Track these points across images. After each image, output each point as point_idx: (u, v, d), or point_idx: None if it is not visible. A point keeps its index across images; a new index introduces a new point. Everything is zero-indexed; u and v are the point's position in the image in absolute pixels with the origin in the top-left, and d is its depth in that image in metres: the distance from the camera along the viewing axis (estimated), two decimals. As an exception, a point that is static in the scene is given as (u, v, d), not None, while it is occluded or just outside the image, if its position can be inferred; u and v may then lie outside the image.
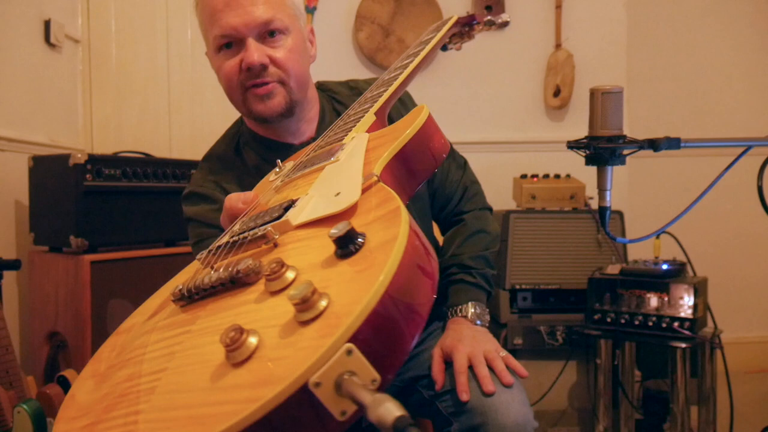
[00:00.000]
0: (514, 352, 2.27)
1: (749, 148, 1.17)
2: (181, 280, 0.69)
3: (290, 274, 0.51)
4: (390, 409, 0.38)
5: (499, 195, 2.61)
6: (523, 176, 2.46)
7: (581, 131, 1.08)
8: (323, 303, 0.45)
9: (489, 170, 2.80)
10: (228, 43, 1.11)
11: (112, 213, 1.92)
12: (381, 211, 0.54)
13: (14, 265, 1.75)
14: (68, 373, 1.68)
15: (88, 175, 1.86)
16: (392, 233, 0.48)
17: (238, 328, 0.46)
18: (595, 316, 2.06)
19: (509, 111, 2.87)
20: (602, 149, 1.04)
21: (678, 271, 2.02)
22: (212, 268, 0.64)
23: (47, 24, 2.29)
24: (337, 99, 1.26)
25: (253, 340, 0.46)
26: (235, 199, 0.81)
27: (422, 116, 0.74)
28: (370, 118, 0.89)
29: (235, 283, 0.56)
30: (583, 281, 2.14)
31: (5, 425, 1.50)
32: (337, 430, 0.42)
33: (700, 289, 1.95)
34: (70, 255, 1.88)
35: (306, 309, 0.45)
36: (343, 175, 0.68)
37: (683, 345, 1.90)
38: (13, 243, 2.04)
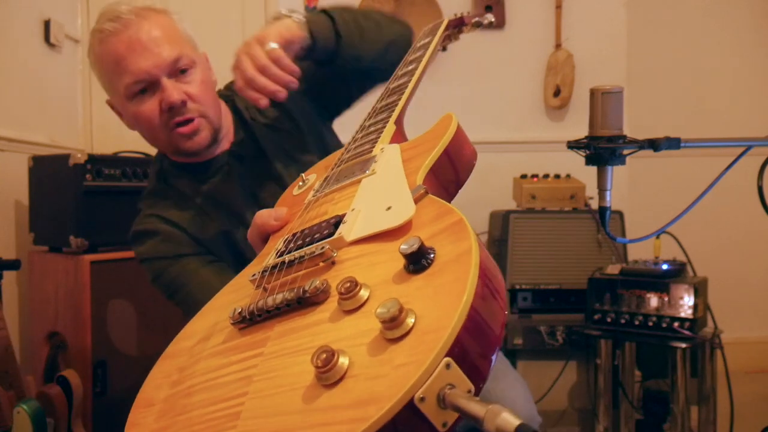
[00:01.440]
0: (514, 352, 2.27)
1: (749, 148, 1.16)
2: (225, 299, 0.69)
3: (364, 293, 0.51)
4: (508, 419, 0.40)
5: (499, 195, 2.61)
6: (523, 176, 2.46)
7: (581, 131, 1.08)
8: (411, 320, 0.45)
9: (489, 170, 2.79)
10: (142, 90, 1.09)
11: (112, 213, 1.92)
12: (442, 224, 0.54)
13: (14, 265, 1.75)
14: (68, 373, 1.68)
15: (88, 175, 1.86)
16: (464, 246, 0.49)
17: (328, 349, 0.46)
18: (595, 316, 2.06)
19: (509, 111, 2.87)
20: (602, 149, 1.04)
21: (678, 271, 2.02)
22: (265, 289, 0.63)
23: (47, 24, 2.29)
24: (230, 97, 1.24)
25: (344, 361, 0.46)
26: (266, 215, 0.81)
27: (453, 125, 0.74)
28: (391, 128, 0.87)
29: (302, 303, 0.56)
30: (583, 281, 2.14)
31: (5, 425, 1.50)
32: None
33: (700, 289, 1.94)
34: (69, 255, 1.87)
35: (395, 327, 0.45)
36: (388, 187, 0.67)
37: (683, 345, 1.90)
38: (13, 243, 2.04)
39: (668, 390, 2.00)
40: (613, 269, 2.09)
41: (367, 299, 0.51)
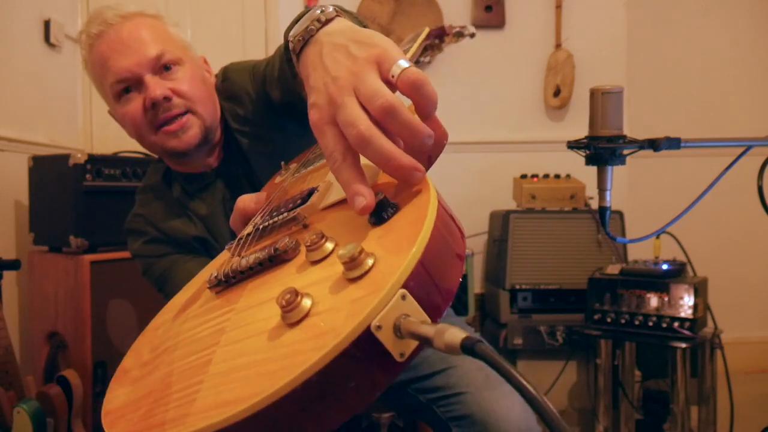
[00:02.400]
0: (515, 352, 2.27)
1: (749, 148, 1.16)
2: (206, 275, 0.70)
3: (330, 244, 0.53)
4: (454, 334, 0.42)
5: (499, 195, 2.61)
6: (523, 176, 2.46)
7: (581, 131, 1.08)
8: (370, 261, 0.47)
9: (489, 170, 2.80)
10: (126, 89, 1.08)
11: (112, 213, 1.92)
12: (409, 186, 0.56)
13: (14, 265, 1.75)
14: (68, 373, 1.68)
15: (87, 175, 1.86)
16: (424, 198, 0.51)
17: (292, 290, 0.48)
18: (595, 316, 2.06)
19: (509, 111, 2.87)
20: (602, 149, 1.04)
21: (678, 271, 2.02)
22: (240, 255, 0.65)
23: (47, 24, 2.29)
24: (236, 110, 1.18)
25: (307, 302, 0.48)
26: (247, 200, 0.80)
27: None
28: None
29: (273, 261, 0.58)
30: (583, 281, 2.14)
31: (5, 425, 1.50)
32: (396, 372, 0.45)
33: (700, 289, 1.94)
34: (69, 255, 1.87)
35: (355, 267, 0.47)
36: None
37: (683, 345, 1.90)
38: (13, 243, 2.04)
39: (668, 390, 2.00)
40: (613, 269, 2.09)
41: (332, 250, 0.53)
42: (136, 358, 0.65)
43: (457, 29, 1.32)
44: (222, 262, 0.70)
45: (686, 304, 1.92)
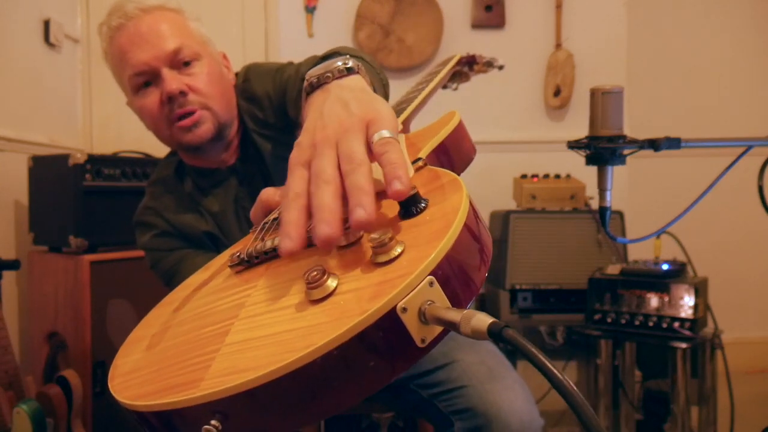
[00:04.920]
0: (514, 352, 2.26)
1: (749, 148, 1.16)
2: (225, 257, 0.71)
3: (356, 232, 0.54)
4: (481, 319, 0.43)
5: (499, 195, 2.61)
6: (523, 176, 2.46)
7: (581, 131, 1.08)
8: (399, 249, 0.48)
9: (489, 170, 2.80)
10: (146, 82, 1.10)
11: (111, 213, 1.92)
12: (438, 183, 0.57)
13: (14, 265, 1.75)
14: (68, 373, 1.67)
15: (87, 175, 1.86)
16: (456, 197, 0.52)
17: (320, 268, 0.48)
18: (596, 317, 2.06)
19: (509, 111, 2.87)
20: (602, 149, 1.04)
21: (678, 272, 2.02)
22: (263, 239, 0.65)
23: (47, 24, 2.28)
24: (255, 112, 1.20)
25: (333, 282, 0.48)
26: (271, 192, 0.79)
27: (455, 119, 0.77)
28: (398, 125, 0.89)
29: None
30: (583, 281, 2.14)
31: (5, 425, 1.50)
32: (415, 358, 0.45)
33: (700, 290, 1.94)
34: (69, 255, 1.87)
35: (383, 252, 0.48)
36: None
37: (684, 345, 1.90)
38: (13, 243, 2.04)
39: (668, 390, 2.00)
40: (614, 269, 2.09)
41: (360, 237, 0.53)
42: (147, 329, 0.64)
43: (487, 59, 1.34)
44: (244, 244, 0.70)
45: (686, 304, 1.92)
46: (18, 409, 1.49)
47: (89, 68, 2.62)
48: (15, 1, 2.13)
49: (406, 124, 0.94)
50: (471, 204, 0.51)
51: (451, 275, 0.46)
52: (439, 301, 0.44)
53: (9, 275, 1.91)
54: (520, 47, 2.83)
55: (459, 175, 0.66)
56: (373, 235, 0.48)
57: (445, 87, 1.35)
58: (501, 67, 1.40)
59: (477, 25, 2.82)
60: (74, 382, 1.66)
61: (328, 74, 0.66)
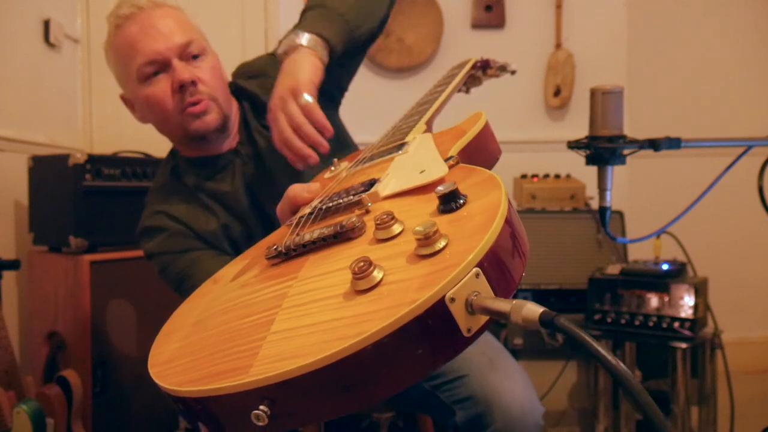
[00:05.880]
0: (515, 352, 2.27)
1: (749, 148, 1.17)
2: (255, 251, 0.73)
3: (398, 226, 0.55)
4: (532, 309, 0.44)
5: (499, 195, 2.61)
6: (523, 176, 2.46)
7: (581, 131, 1.08)
8: (443, 242, 0.49)
9: (489, 170, 2.79)
10: (155, 72, 1.14)
11: (111, 213, 1.92)
12: (474, 180, 0.59)
13: (14, 265, 1.75)
14: (68, 373, 1.67)
15: (87, 175, 1.86)
16: (495, 194, 0.54)
17: (366, 259, 0.50)
18: (596, 317, 2.06)
19: (509, 111, 2.87)
20: (602, 149, 1.04)
21: (678, 272, 2.02)
22: (299, 234, 0.67)
23: (47, 24, 2.28)
24: (241, 88, 1.28)
25: (379, 273, 0.49)
26: (299, 189, 0.83)
27: (482, 120, 0.83)
28: (422, 126, 0.92)
29: (338, 237, 0.60)
30: (583, 281, 2.14)
31: (5, 425, 1.50)
32: (461, 347, 0.46)
33: (700, 290, 1.94)
34: (69, 255, 1.87)
35: (428, 244, 0.49)
36: (421, 158, 0.72)
37: (684, 345, 1.90)
38: (13, 243, 2.04)
39: (668, 390, 2.00)
40: (614, 269, 2.09)
41: (401, 231, 0.55)
42: (180, 321, 0.65)
43: (500, 64, 1.39)
44: (277, 238, 0.71)
45: (686, 304, 1.92)
46: (18, 409, 1.49)
47: (89, 68, 2.62)
48: (15, 1, 2.13)
49: (429, 124, 0.97)
50: (509, 200, 0.53)
51: (494, 267, 0.47)
52: (484, 291, 0.46)
53: (9, 275, 1.90)
54: (520, 47, 2.83)
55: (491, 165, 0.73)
56: (417, 228, 0.50)
57: (458, 90, 1.36)
58: (513, 72, 1.43)
59: (477, 25, 2.82)
60: (74, 382, 1.66)
61: (287, 50, 1.08)
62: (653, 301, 1.97)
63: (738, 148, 1.16)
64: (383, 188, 0.66)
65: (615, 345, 2.08)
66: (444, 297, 0.44)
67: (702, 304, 1.96)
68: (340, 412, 0.46)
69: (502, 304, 0.45)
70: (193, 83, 1.13)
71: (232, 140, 1.25)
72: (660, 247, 2.13)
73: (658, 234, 1.22)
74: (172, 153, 1.30)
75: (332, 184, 0.83)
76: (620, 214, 2.35)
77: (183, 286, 1.16)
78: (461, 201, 0.54)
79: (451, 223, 0.52)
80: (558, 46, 2.82)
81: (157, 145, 2.64)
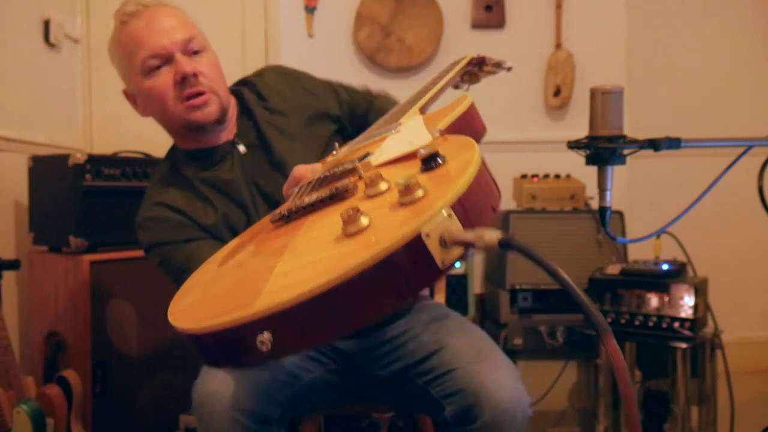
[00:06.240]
0: (515, 352, 2.27)
1: (749, 148, 1.17)
2: (259, 225, 0.82)
3: (384, 184, 0.63)
4: (492, 234, 0.53)
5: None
6: (523, 176, 2.46)
7: (581, 131, 1.08)
8: (421, 192, 0.57)
9: (489, 170, 2.79)
10: (158, 65, 1.21)
11: (111, 213, 1.92)
12: (453, 144, 0.69)
13: (13, 265, 1.75)
14: (68, 373, 1.67)
15: (87, 175, 1.86)
16: (469, 153, 0.62)
17: (355, 207, 0.57)
18: (596, 317, 2.06)
19: (509, 111, 2.86)
20: (602, 149, 1.04)
21: (678, 272, 2.02)
22: (299, 199, 0.75)
23: (47, 24, 2.28)
24: (241, 95, 1.36)
25: (365, 219, 0.57)
26: (303, 169, 0.92)
27: (467, 101, 0.92)
28: (416, 110, 1.02)
29: (334, 198, 0.68)
30: (583, 281, 2.14)
31: (5, 426, 1.50)
32: (437, 276, 0.53)
33: (700, 290, 1.94)
34: (69, 255, 1.87)
35: (408, 193, 0.57)
36: (410, 133, 0.82)
37: (684, 345, 1.90)
38: (13, 243, 2.04)
39: (668, 390, 2.00)
40: (614, 269, 2.09)
41: (388, 189, 0.63)
42: (196, 281, 0.73)
43: (496, 61, 1.44)
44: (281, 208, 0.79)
45: (686, 304, 1.92)
46: (18, 409, 1.49)
47: (89, 68, 2.62)
48: (15, 1, 2.13)
49: (423, 111, 1.07)
50: (482, 159, 0.61)
51: (465, 210, 0.55)
52: (456, 229, 0.53)
53: (9, 275, 1.90)
54: (520, 47, 2.83)
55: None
56: (399, 181, 0.57)
57: (456, 87, 1.46)
58: (509, 69, 1.47)
59: (477, 25, 2.82)
60: (74, 382, 1.66)
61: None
62: (653, 301, 1.97)
63: (738, 148, 1.16)
64: (375, 158, 0.75)
65: (615, 345, 2.08)
66: (420, 233, 0.51)
67: (702, 304, 1.96)
68: (334, 336, 0.53)
69: (468, 235, 0.52)
70: (195, 75, 1.20)
71: (229, 132, 1.31)
72: (660, 247, 2.13)
73: (658, 234, 1.22)
74: (172, 149, 1.35)
75: (330, 162, 0.94)
76: (620, 214, 2.35)
77: (183, 278, 1.16)
78: (440, 161, 0.63)
79: (431, 179, 0.60)
80: (558, 46, 2.82)
81: (157, 145, 2.64)
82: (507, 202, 2.50)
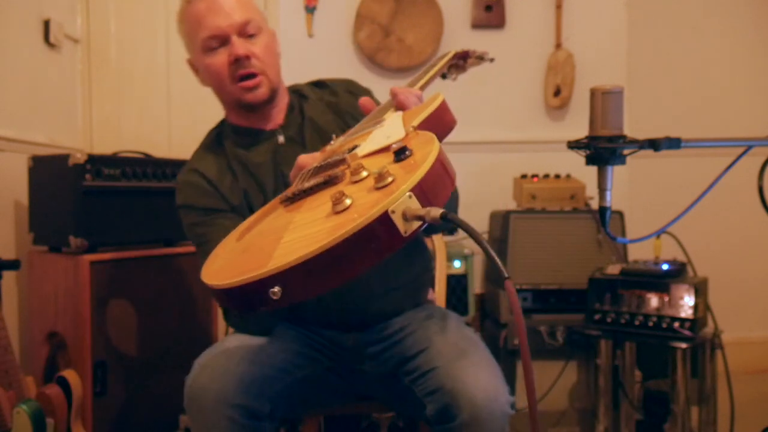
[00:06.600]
0: (515, 352, 2.27)
1: (749, 148, 1.17)
2: (272, 204, 0.99)
3: (365, 172, 0.80)
4: (437, 210, 0.70)
5: (499, 195, 2.61)
6: (523, 176, 2.46)
7: (581, 131, 1.08)
8: (390, 178, 0.74)
9: (489, 170, 2.79)
10: (216, 47, 1.31)
11: (111, 213, 1.92)
12: (420, 140, 0.86)
13: (14, 265, 1.75)
14: (67, 373, 1.67)
15: (87, 175, 1.86)
16: (430, 146, 0.79)
17: (341, 191, 0.74)
18: (596, 317, 2.06)
19: (509, 111, 2.87)
20: (602, 149, 1.04)
21: (678, 272, 2.02)
22: (301, 183, 0.93)
23: (46, 24, 2.28)
24: (305, 95, 1.45)
25: (348, 200, 0.74)
26: (306, 158, 1.05)
27: (439, 98, 1.06)
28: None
29: (327, 183, 0.86)
30: (583, 281, 2.14)
31: (5, 426, 1.50)
32: (401, 242, 0.71)
33: (700, 290, 1.94)
34: (69, 255, 1.87)
35: (380, 180, 0.73)
36: (389, 128, 0.99)
37: (684, 345, 1.90)
38: (13, 243, 2.04)
39: (668, 390, 2.00)
40: (614, 269, 2.09)
41: (367, 175, 0.79)
42: (223, 248, 0.92)
43: (479, 54, 1.54)
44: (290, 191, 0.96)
45: (686, 304, 1.92)
46: (18, 409, 1.50)
47: (89, 68, 2.62)
48: (15, 1, 2.13)
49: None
50: (440, 150, 0.77)
51: (424, 192, 0.71)
52: (415, 207, 0.70)
53: (9, 275, 1.91)
54: (520, 47, 2.83)
55: (443, 138, 1.00)
56: (374, 170, 0.75)
57: (444, 77, 1.55)
58: (492, 60, 1.58)
59: (477, 25, 2.82)
60: (74, 382, 1.66)
61: None
62: (653, 301, 1.97)
63: (738, 148, 1.16)
64: (361, 150, 0.93)
65: (615, 345, 2.08)
66: (387, 210, 0.68)
67: (702, 304, 1.96)
68: (326, 288, 0.70)
69: (421, 211, 0.70)
70: (248, 58, 1.30)
71: (275, 121, 1.40)
72: (660, 247, 2.13)
73: (658, 234, 1.22)
74: (223, 120, 1.45)
75: (329, 149, 1.10)
76: (620, 214, 2.35)
77: (203, 248, 1.29)
78: (408, 153, 0.80)
79: (401, 168, 0.77)
80: (558, 46, 2.82)
81: (157, 145, 2.65)
82: (507, 202, 2.50)
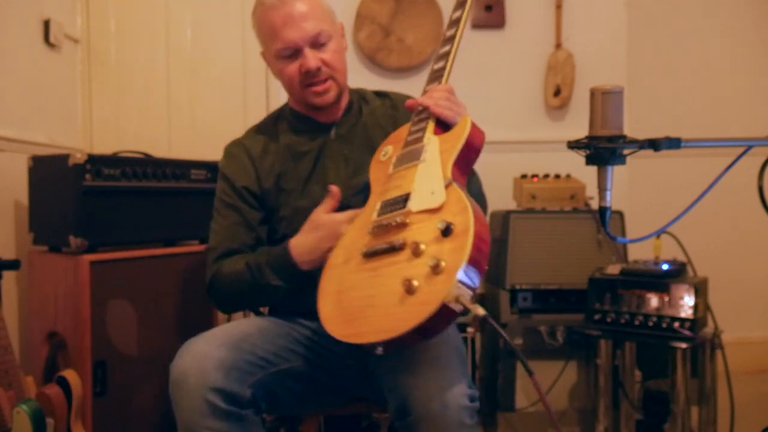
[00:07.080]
0: (514, 353, 2.27)
1: (749, 148, 1.17)
2: (353, 233, 1.22)
3: (423, 246, 1.04)
4: (480, 310, 0.96)
5: (499, 195, 2.60)
6: (523, 176, 2.46)
7: (581, 131, 1.08)
8: (444, 263, 0.99)
9: (489, 170, 2.78)
10: (288, 56, 1.42)
11: (111, 213, 1.92)
12: (458, 207, 1.06)
13: (13, 265, 1.75)
14: (68, 373, 1.67)
15: (87, 175, 1.86)
16: (466, 221, 1.02)
17: (409, 278, 1.01)
18: (596, 317, 2.06)
19: (509, 111, 2.86)
20: (602, 149, 1.04)
21: (678, 272, 2.02)
22: (376, 235, 1.16)
23: (46, 24, 2.28)
24: (366, 100, 1.57)
25: (416, 283, 1.00)
26: (344, 222, 1.28)
27: (468, 125, 1.24)
28: (431, 123, 1.32)
29: (393, 250, 1.09)
30: (583, 281, 2.14)
31: (5, 426, 1.50)
32: (453, 318, 1.00)
33: (700, 290, 1.94)
34: (69, 255, 1.87)
35: (437, 269, 0.99)
36: (431, 175, 1.18)
37: (684, 345, 1.90)
38: (13, 243, 2.04)
39: (668, 390, 2.00)
40: (614, 269, 2.09)
41: (424, 251, 1.03)
42: (326, 287, 1.17)
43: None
44: (365, 234, 1.18)
45: (686, 304, 1.92)
46: (18, 409, 1.49)
47: (89, 68, 2.62)
48: (15, 1, 2.13)
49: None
50: (476, 223, 1.01)
51: (470, 271, 0.97)
52: (462, 290, 0.96)
53: (9, 275, 1.90)
54: (520, 47, 2.83)
55: (475, 161, 1.27)
56: (431, 263, 1.00)
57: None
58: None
59: (477, 25, 2.82)
60: (74, 382, 1.66)
61: None
62: (653, 301, 1.97)
63: (738, 148, 1.17)
64: (413, 205, 1.14)
65: (615, 345, 2.08)
66: (444, 301, 0.96)
67: (702, 304, 1.96)
68: (414, 344, 1.05)
69: (469, 305, 0.96)
70: (318, 69, 1.40)
71: (333, 115, 1.51)
72: (660, 247, 2.13)
73: (658, 234, 1.22)
74: (283, 106, 1.58)
75: (380, 178, 1.30)
76: (620, 214, 2.35)
77: (212, 235, 1.46)
78: (451, 229, 1.02)
79: (447, 245, 1.02)
80: (558, 46, 2.82)
81: (157, 145, 2.65)
82: (507, 202, 2.50)
